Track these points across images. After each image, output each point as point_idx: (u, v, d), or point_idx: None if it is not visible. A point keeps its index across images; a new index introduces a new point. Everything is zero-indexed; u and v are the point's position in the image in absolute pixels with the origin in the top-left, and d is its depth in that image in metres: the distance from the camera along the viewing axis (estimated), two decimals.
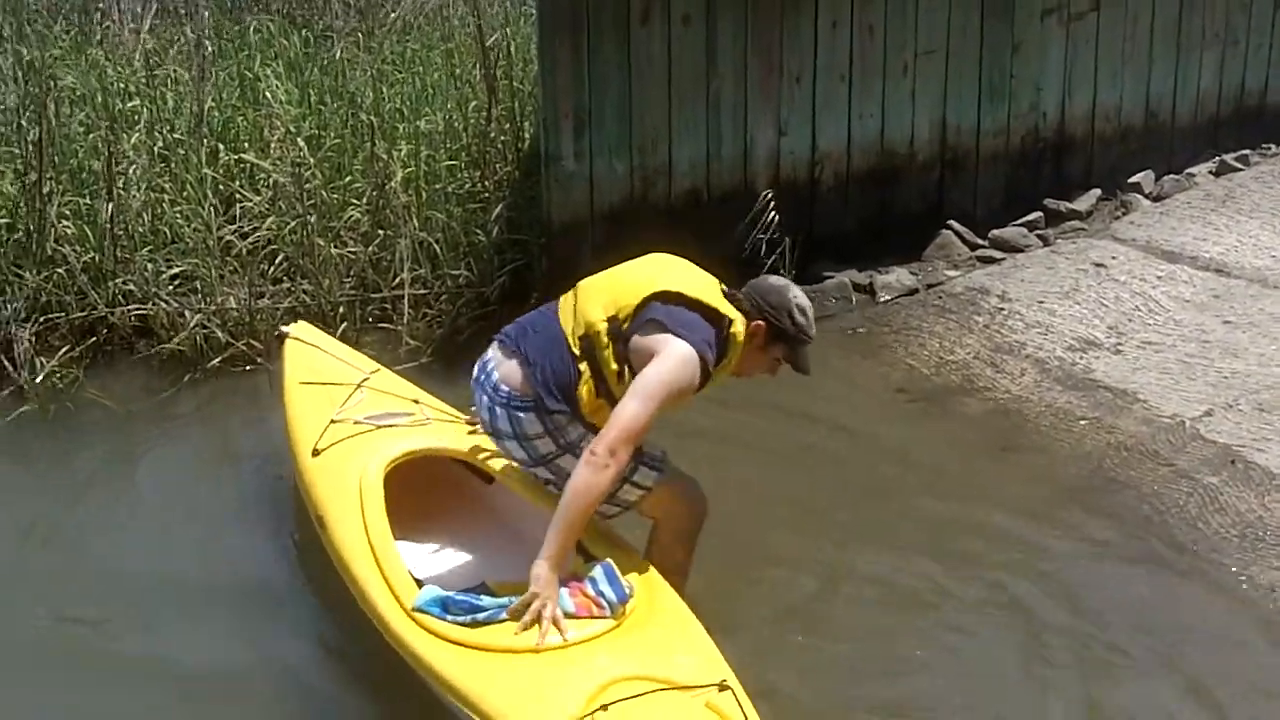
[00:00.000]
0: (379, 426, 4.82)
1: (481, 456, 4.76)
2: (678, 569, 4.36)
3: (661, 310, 4.09)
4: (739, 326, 4.18)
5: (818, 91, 7.20)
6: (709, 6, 6.85)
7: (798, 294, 4.31)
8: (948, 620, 4.77)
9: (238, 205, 7.00)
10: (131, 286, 6.54)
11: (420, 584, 4.17)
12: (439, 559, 4.65)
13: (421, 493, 4.77)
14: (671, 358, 4.02)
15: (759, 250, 6.97)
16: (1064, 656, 4.55)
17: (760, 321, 4.21)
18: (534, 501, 4.50)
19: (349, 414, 4.90)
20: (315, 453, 4.75)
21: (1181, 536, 5.13)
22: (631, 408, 3.99)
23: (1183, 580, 4.91)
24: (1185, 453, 5.58)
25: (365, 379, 5.15)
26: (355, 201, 7.04)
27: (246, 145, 7.34)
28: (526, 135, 7.27)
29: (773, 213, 6.92)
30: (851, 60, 7.28)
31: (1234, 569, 4.92)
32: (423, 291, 6.76)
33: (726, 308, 4.20)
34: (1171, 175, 8.25)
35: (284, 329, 5.59)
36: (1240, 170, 8.26)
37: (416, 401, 5.06)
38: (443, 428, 4.91)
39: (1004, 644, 4.65)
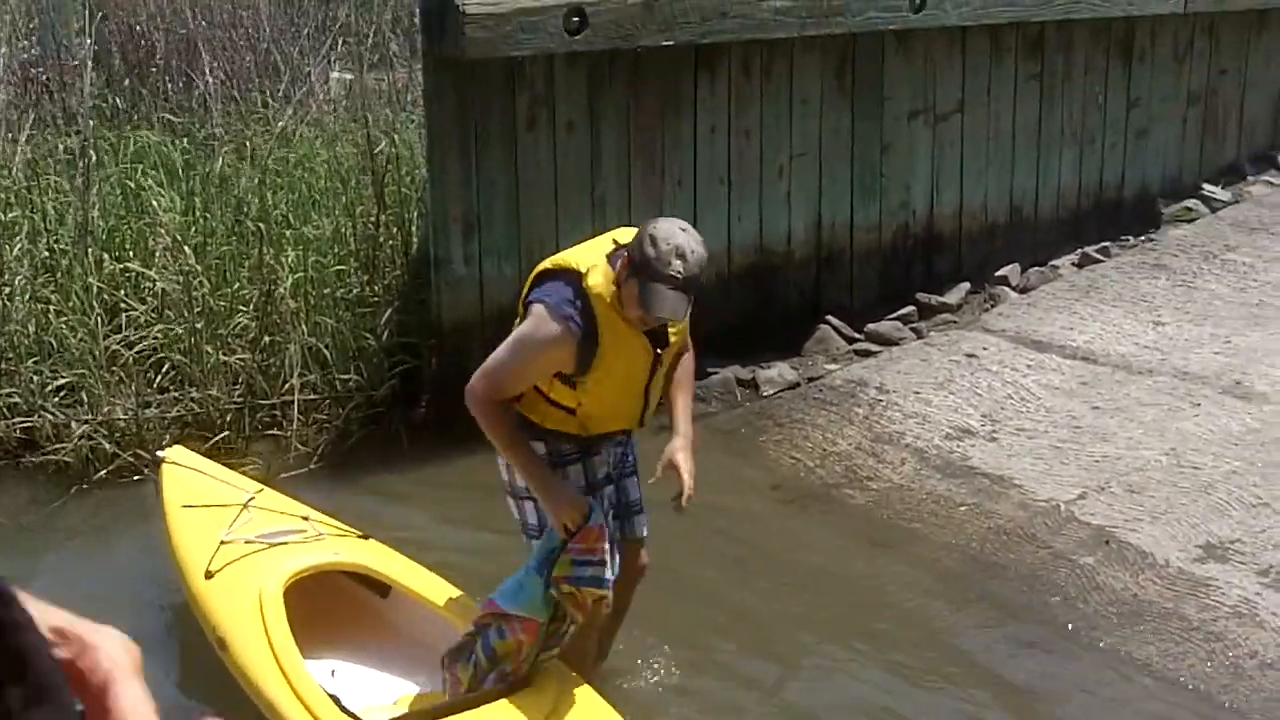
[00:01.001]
0: (271, 545, 4.80)
1: (378, 568, 4.79)
2: (588, 661, 4.48)
3: (532, 295, 4.15)
4: (595, 277, 4.04)
5: (698, 194, 7.41)
6: (592, 113, 7.04)
7: (667, 226, 4.01)
8: (828, 715, 4.87)
9: (123, 314, 6.99)
10: (16, 398, 6.50)
11: (334, 699, 4.19)
12: (343, 675, 4.64)
13: (316, 610, 4.74)
14: (529, 317, 4.09)
15: None
16: None
17: (626, 253, 4.01)
18: (433, 607, 4.54)
19: (239, 534, 4.87)
20: (208, 575, 4.71)
21: (1061, 616, 5.31)
22: (493, 354, 4.16)
23: (1063, 659, 5.09)
24: (1062, 535, 5.78)
25: (251, 498, 5.13)
26: (243, 308, 7.07)
27: (131, 254, 7.35)
28: (414, 239, 7.37)
29: None
30: (730, 163, 7.50)
31: (1112, 645, 5.11)
32: (312, 397, 6.78)
33: (588, 259, 4.09)
34: (1037, 268, 8.56)
35: (159, 454, 5.56)
36: (1101, 261, 8.59)
37: (306, 518, 5.06)
38: (336, 542, 4.91)
39: None
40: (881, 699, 4.93)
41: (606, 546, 4.16)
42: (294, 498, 5.35)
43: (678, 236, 3.93)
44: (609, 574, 4.17)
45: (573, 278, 4.07)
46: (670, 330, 4.16)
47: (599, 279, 4.03)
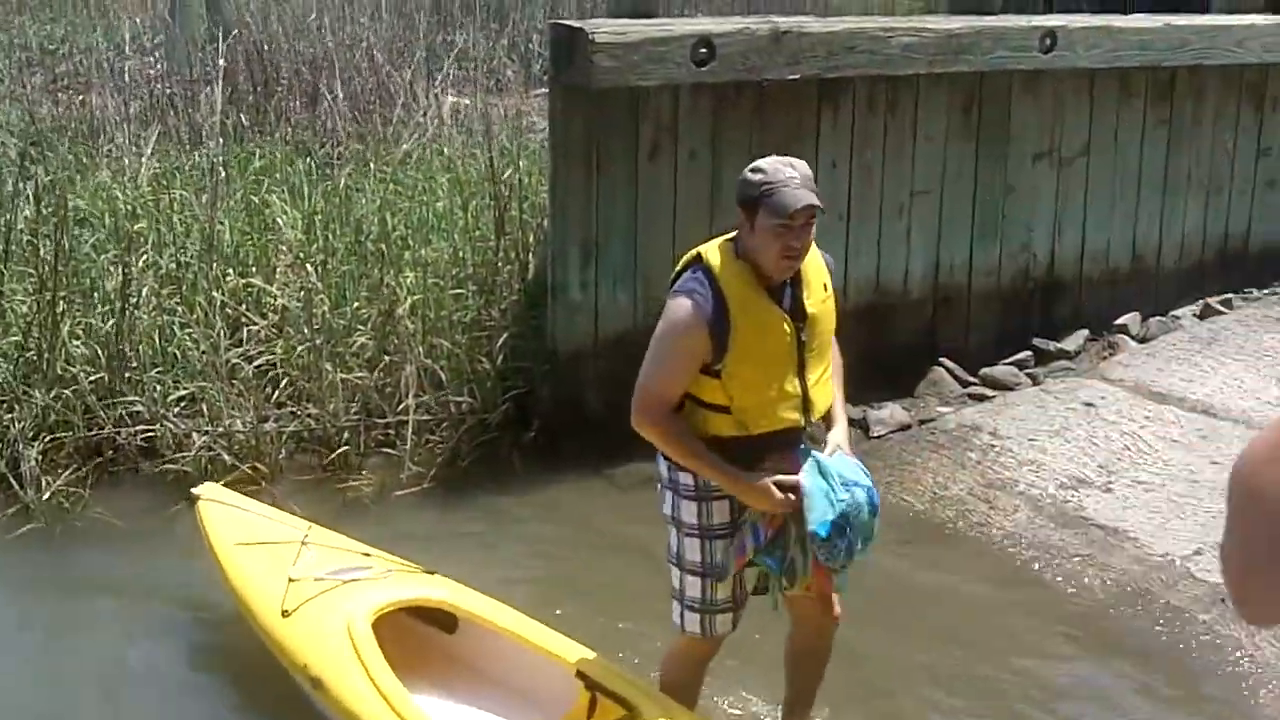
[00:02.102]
0: (345, 581, 4.74)
1: (457, 603, 4.74)
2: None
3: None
4: (713, 255, 4.07)
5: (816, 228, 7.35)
6: (714, 144, 7.03)
7: (772, 157, 4.08)
8: None
9: (244, 329, 7.10)
10: (139, 407, 6.61)
11: None
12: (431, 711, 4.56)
13: (385, 648, 4.62)
14: (663, 313, 4.12)
15: None
16: None
17: (740, 209, 4.05)
18: (513, 640, 4.54)
19: (306, 571, 4.81)
20: (285, 613, 4.66)
21: (1176, 672, 5.21)
22: (642, 368, 4.13)
23: (1180, 716, 4.98)
24: (1177, 590, 5.66)
25: (306, 535, 5.09)
26: (361, 327, 7.14)
27: (254, 270, 7.47)
28: (531, 264, 7.41)
29: None
30: (850, 199, 7.46)
31: (1228, 704, 5.00)
32: (426, 418, 6.83)
33: (709, 245, 4.13)
34: (1157, 317, 8.43)
35: (194, 491, 5.50)
36: (1224, 314, 8.44)
37: (367, 554, 5.01)
38: (406, 577, 4.86)
39: None
40: None
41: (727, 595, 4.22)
42: (344, 533, 5.30)
43: (774, 158, 4.05)
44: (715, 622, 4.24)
45: (695, 262, 4.11)
46: (807, 301, 4.06)
47: (717, 256, 4.06)
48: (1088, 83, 8.07)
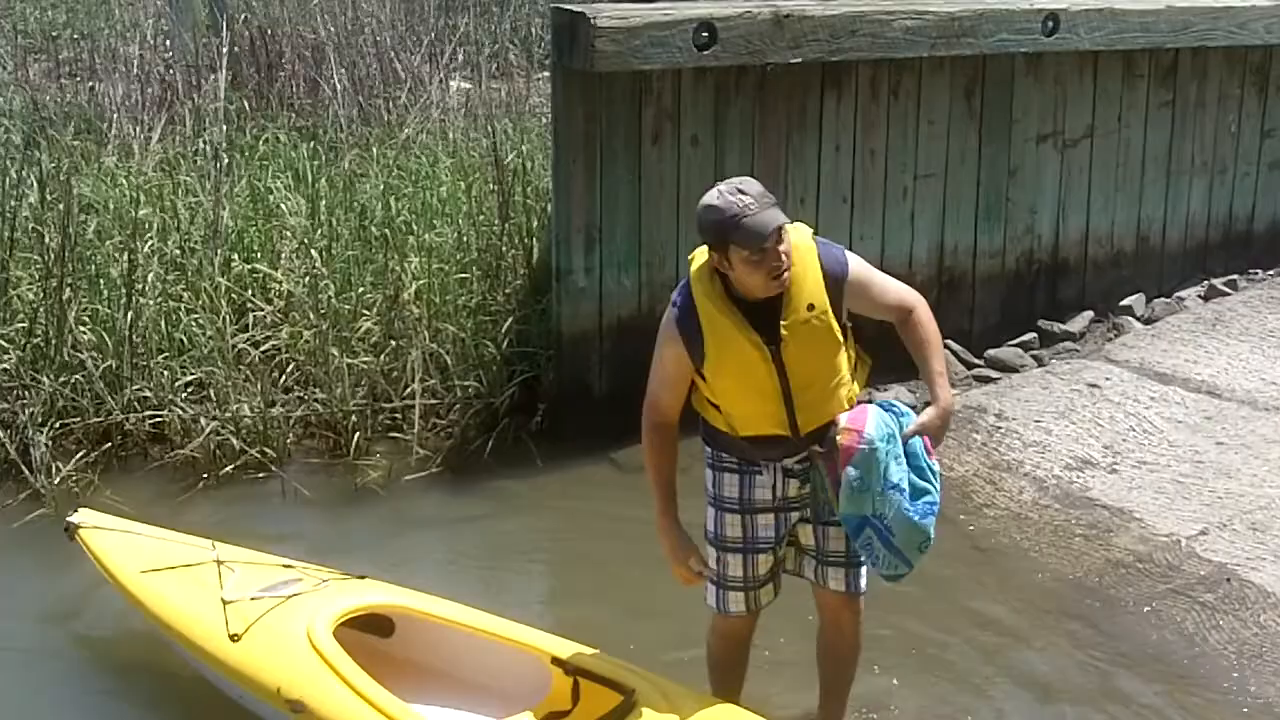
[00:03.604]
0: (286, 597, 4.60)
1: (411, 605, 4.68)
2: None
3: None
4: (696, 263, 4.04)
5: (820, 212, 7.37)
6: (717, 128, 7.04)
7: (707, 193, 3.94)
8: None
9: (250, 314, 7.12)
10: (147, 393, 6.64)
11: None
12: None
13: None
14: None
15: None
16: None
17: (711, 251, 3.97)
18: (459, 629, 4.52)
19: (238, 593, 4.65)
20: (234, 638, 4.49)
21: (1179, 653, 5.23)
22: None
23: (1181, 696, 5.00)
24: (1182, 571, 5.69)
25: (216, 555, 4.90)
26: (366, 312, 7.17)
27: (259, 255, 7.49)
28: (536, 249, 7.42)
29: None
30: (854, 183, 7.47)
31: (1231, 685, 5.02)
32: (433, 402, 6.86)
33: (700, 250, 4.06)
34: (1162, 299, 8.44)
35: (70, 519, 5.17)
36: (1229, 295, 8.45)
37: (289, 566, 4.87)
38: (342, 585, 4.75)
39: None
40: None
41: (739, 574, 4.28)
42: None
43: (722, 187, 3.91)
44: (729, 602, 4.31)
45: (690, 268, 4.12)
46: (783, 323, 3.97)
47: (699, 264, 4.04)
48: (1091, 65, 8.06)
